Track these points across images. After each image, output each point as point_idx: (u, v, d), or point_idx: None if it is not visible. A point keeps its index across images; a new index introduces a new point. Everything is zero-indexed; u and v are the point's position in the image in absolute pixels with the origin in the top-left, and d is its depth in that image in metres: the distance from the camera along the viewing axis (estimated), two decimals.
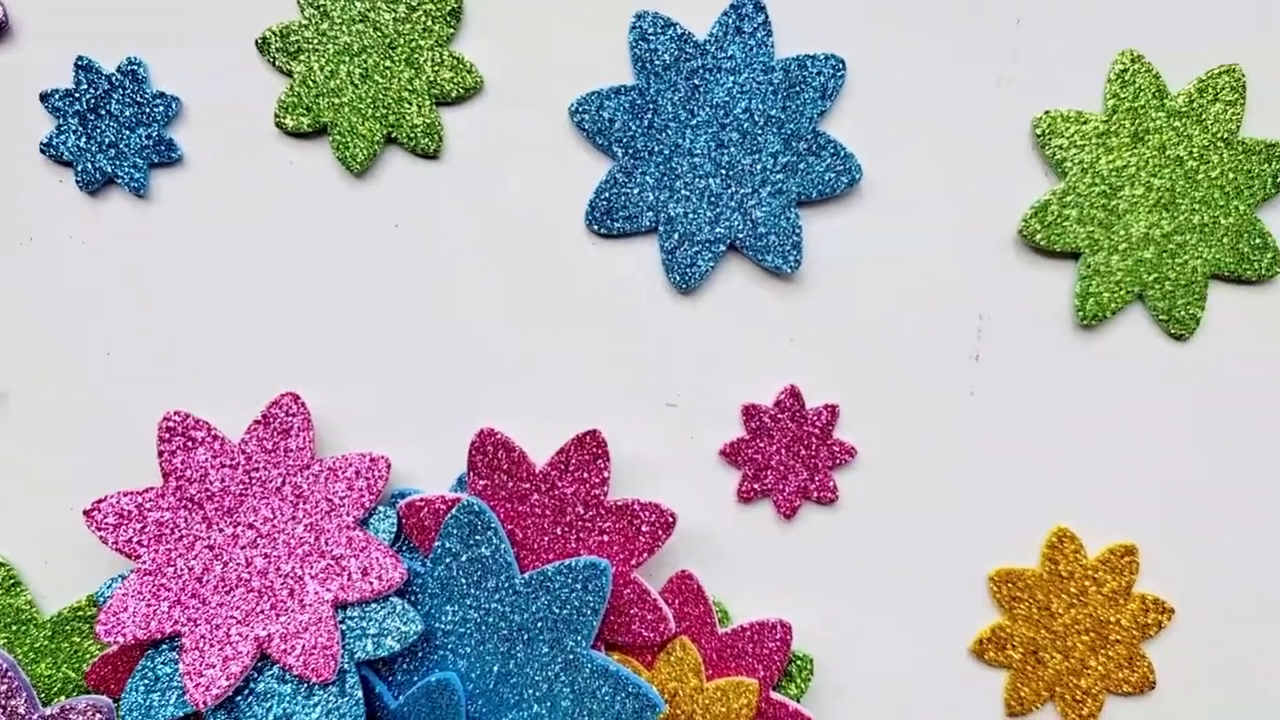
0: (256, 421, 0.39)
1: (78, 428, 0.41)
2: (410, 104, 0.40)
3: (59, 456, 0.41)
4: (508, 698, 0.39)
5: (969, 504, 0.42)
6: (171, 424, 0.39)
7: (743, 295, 0.42)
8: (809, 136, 0.40)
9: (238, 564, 0.38)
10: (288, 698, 0.38)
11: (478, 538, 0.39)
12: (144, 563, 0.38)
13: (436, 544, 0.39)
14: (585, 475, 0.40)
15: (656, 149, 0.40)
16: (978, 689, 0.43)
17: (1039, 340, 0.42)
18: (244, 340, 0.41)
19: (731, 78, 0.40)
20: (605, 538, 0.40)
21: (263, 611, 0.38)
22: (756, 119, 0.40)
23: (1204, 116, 0.41)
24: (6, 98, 0.41)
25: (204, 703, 0.37)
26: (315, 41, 0.40)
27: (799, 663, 0.41)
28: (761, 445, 0.42)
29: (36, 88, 0.40)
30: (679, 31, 0.40)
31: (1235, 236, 0.41)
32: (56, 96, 0.40)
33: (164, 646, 0.38)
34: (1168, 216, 0.41)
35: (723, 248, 0.41)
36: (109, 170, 0.40)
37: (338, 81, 0.40)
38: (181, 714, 0.37)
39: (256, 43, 0.40)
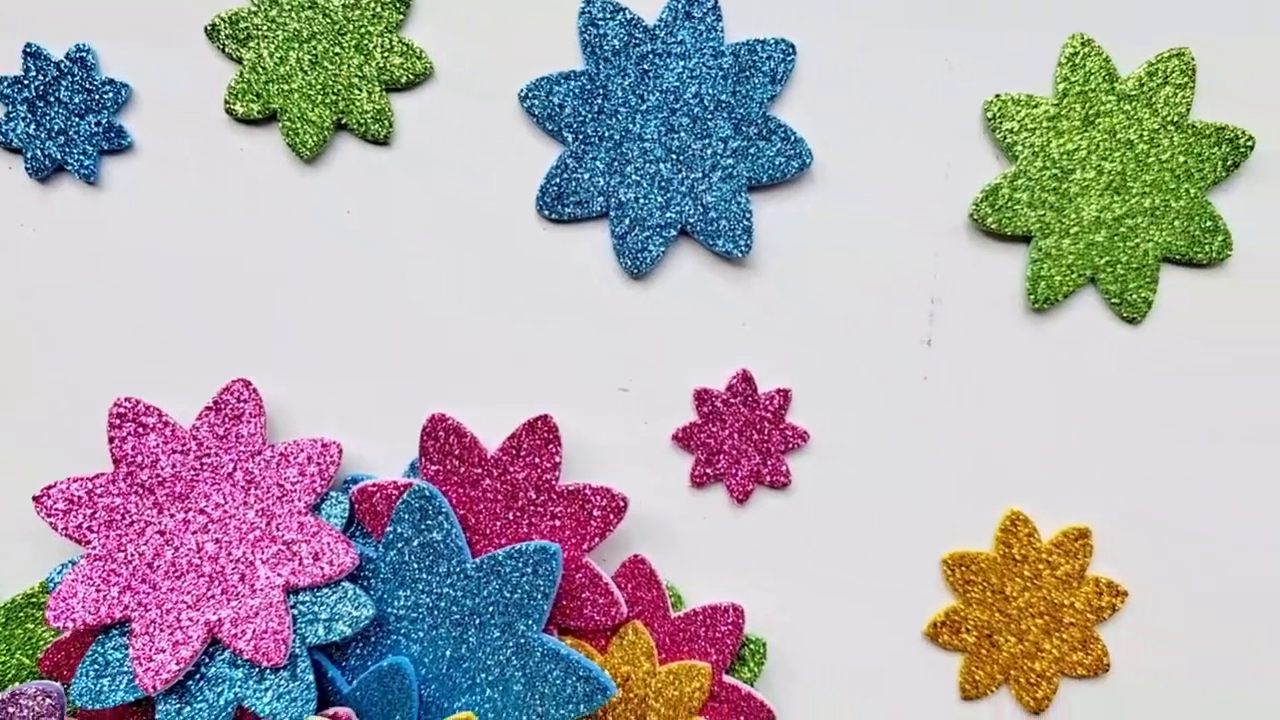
0: (208, 408, 0.39)
1: (28, 414, 0.41)
2: (360, 90, 0.40)
3: (8, 443, 0.41)
4: (460, 682, 0.39)
5: (922, 488, 0.42)
6: (122, 410, 0.39)
7: (694, 280, 0.42)
8: (759, 121, 0.40)
9: (189, 549, 0.38)
10: (239, 682, 0.38)
11: (429, 523, 0.39)
12: (94, 548, 0.38)
13: (388, 529, 0.39)
14: (537, 460, 0.40)
15: (607, 134, 0.40)
16: (932, 672, 0.43)
17: (991, 324, 0.42)
18: (195, 327, 0.41)
19: (681, 63, 0.40)
20: (557, 522, 0.40)
21: (213, 596, 0.38)
22: (707, 104, 0.40)
23: (1154, 100, 0.41)
24: None
25: (153, 687, 0.37)
26: (264, 28, 0.40)
27: (752, 646, 0.42)
28: (714, 430, 0.42)
29: None
30: (628, 16, 0.40)
31: (1186, 219, 0.41)
32: (5, 83, 0.40)
33: (114, 632, 0.38)
34: (1119, 200, 0.41)
35: (674, 233, 0.41)
36: (58, 157, 0.40)
37: (287, 68, 0.40)
38: (132, 698, 0.38)
39: (206, 29, 0.40)
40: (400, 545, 0.39)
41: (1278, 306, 0.42)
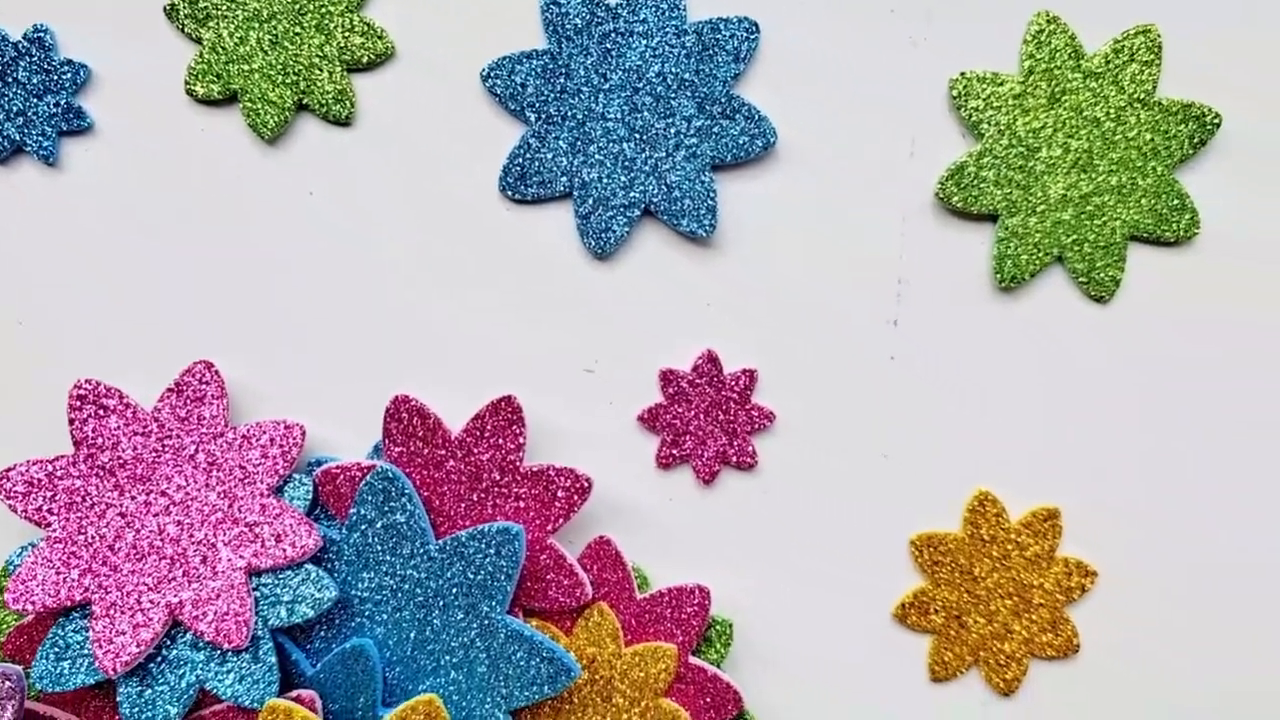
0: (169, 390, 0.39)
1: None
2: (321, 70, 0.40)
3: None
4: (424, 664, 0.39)
5: (890, 468, 0.42)
6: (82, 392, 0.38)
7: (658, 260, 0.41)
8: (723, 100, 0.40)
9: (150, 531, 0.38)
10: (201, 664, 0.38)
11: (392, 504, 0.39)
12: (54, 531, 0.38)
13: (351, 511, 0.39)
14: (501, 441, 0.40)
15: (569, 114, 0.40)
16: (901, 654, 0.43)
17: (958, 304, 0.42)
18: (156, 308, 0.41)
19: (644, 41, 0.40)
20: (521, 503, 0.40)
21: (175, 578, 0.38)
22: (670, 83, 0.40)
23: (1120, 77, 0.41)
24: None
25: (113, 669, 0.37)
26: (224, 8, 0.40)
27: (718, 627, 0.41)
28: (679, 410, 0.42)
29: None
30: None
31: (1153, 197, 0.41)
32: None
33: (75, 614, 0.38)
34: (1086, 178, 0.41)
35: (637, 212, 0.41)
36: (17, 138, 0.40)
37: (248, 48, 0.40)
38: (92, 681, 0.37)
39: (165, 9, 0.40)
40: (364, 527, 0.39)
41: (1245, 285, 0.42)
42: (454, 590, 0.39)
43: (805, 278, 0.42)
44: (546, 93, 0.40)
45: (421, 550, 0.39)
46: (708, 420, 0.42)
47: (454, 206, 0.41)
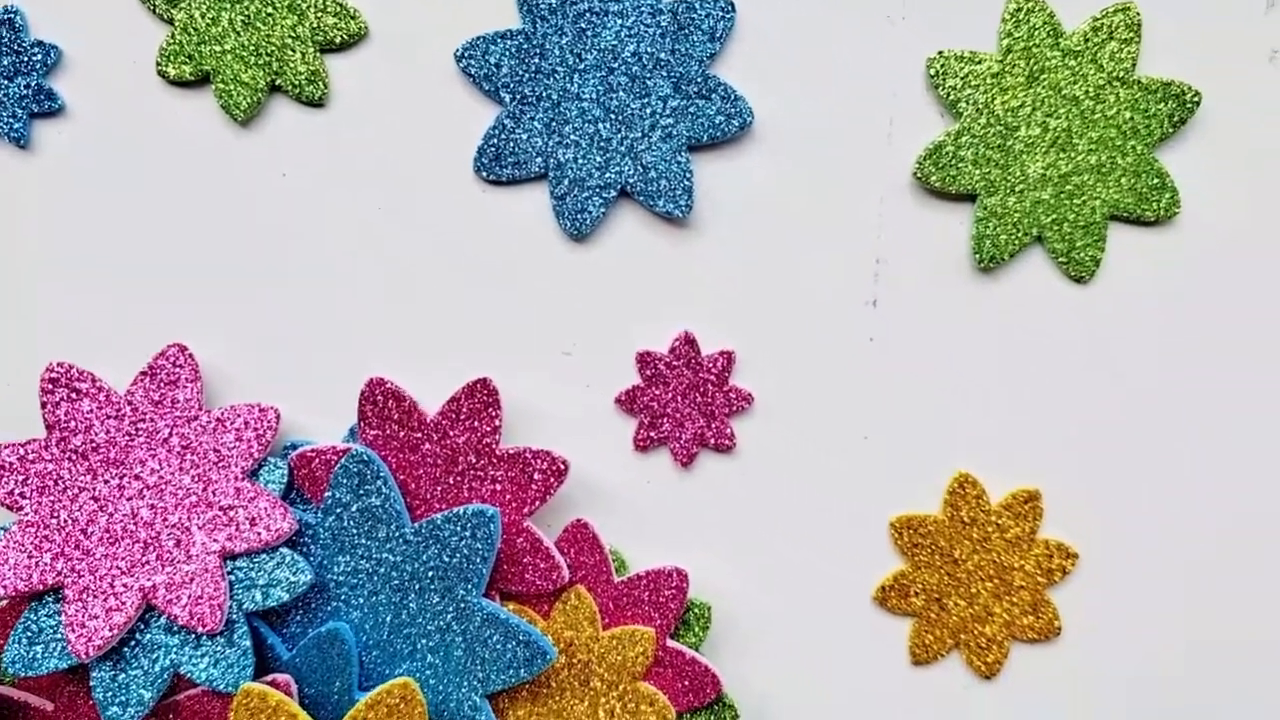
0: (143, 373, 0.39)
1: None
2: (294, 51, 0.40)
3: None
4: (401, 648, 0.39)
5: (869, 450, 0.42)
6: (55, 375, 0.38)
7: (635, 241, 0.41)
8: (699, 80, 0.40)
9: (123, 515, 0.38)
10: (175, 649, 0.38)
11: (368, 487, 0.39)
12: (26, 515, 0.38)
13: (327, 494, 0.39)
14: (476, 424, 0.39)
15: (544, 94, 0.40)
16: (881, 637, 0.42)
17: (937, 284, 0.42)
18: (129, 290, 0.41)
19: (619, 21, 0.40)
20: (497, 486, 0.39)
21: (148, 562, 0.38)
22: (645, 62, 0.40)
23: (1099, 55, 0.40)
24: None
25: (86, 653, 0.37)
26: None
27: (697, 610, 0.41)
28: (657, 393, 0.41)
29: None
30: None
31: (1133, 177, 0.41)
32: None
33: (48, 599, 0.38)
34: (1065, 157, 0.41)
35: (613, 193, 0.40)
36: None
37: (219, 29, 0.39)
38: (65, 665, 0.37)
39: None
40: (339, 510, 0.39)
41: (1226, 264, 0.42)
42: (430, 573, 0.39)
43: (783, 258, 0.41)
44: (521, 73, 0.40)
45: (397, 534, 0.39)
46: (685, 402, 0.41)
47: (429, 188, 0.41)
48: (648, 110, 0.40)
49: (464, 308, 0.41)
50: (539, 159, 0.40)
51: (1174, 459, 0.42)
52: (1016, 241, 0.41)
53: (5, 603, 0.39)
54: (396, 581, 0.39)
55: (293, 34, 0.40)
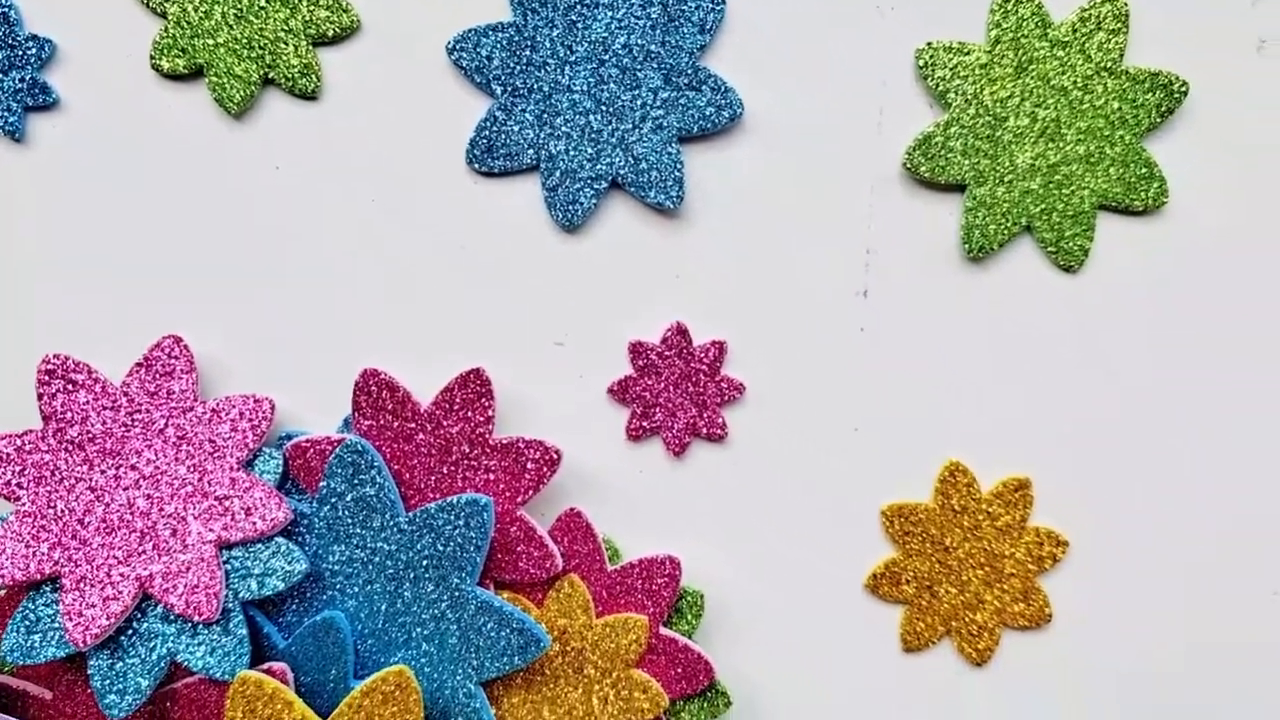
0: (138, 364, 0.39)
1: None
2: (287, 44, 0.40)
3: None
4: (396, 636, 0.39)
5: (860, 439, 0.42)
6: (51, 366, 0.39)
7: (626, 232, 0.41)
8: (689, 72, 0.40)
9: (120, 505, 0.38)
10: (172, 637, 0.38)
11: (362, 477, 0.39)
12: (23, 505, 0.38)
13: (321, 484, 0.39)
14: (470, 414, 0.40)
15: (536, 86, 0.40)
16: (873, 624, 0.43)
17: (927, 274, 0.42)
18: (124, 282, 0.41)
19: (609, 13, 0.40)
20: (491, 476, 0.40)
21: (145, 552, 0.38)
22: (636, 55, 0.40)
23: (1087, 46, 0.41)
24: None
25: (83, 642, 0.37)
26: None
27: (689, 598, 0.42)
28: (649, 383, 0.42)
29: None
30: None
31: (1121, 166, 0.41)
32: None
33: (45, 588, 0.38)
34: (1053, 147, 0.41)
35: (605, 184, 0.41)
36: None
37: (213, 22, 0.40)
38: (63, 654, 0.38)
39: None
40: (334, 500, 0.39)
41: (1214, 253, 0.42)
42: (424, 562, 0.39)
43: (774, 249, 0.42)
44: (512, 65, 0.40)
45: (391, 523, 0.39)
46: (677, 392, 0.42)
47: (421, 180, 0.41)
48: (638, 102, 0.40)
49: (457, 299, 0.42)
50: (530, 151, 0.40)
51: (1163, 447, 0.43)
52: (1006, 231, 0.41)
53: (3, 592, 0.39)
54: (391, 570, 0.39)
55: (285, 27, 0.40)
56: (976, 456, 0.42)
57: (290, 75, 0.40)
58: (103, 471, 0.38)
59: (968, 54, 0.41)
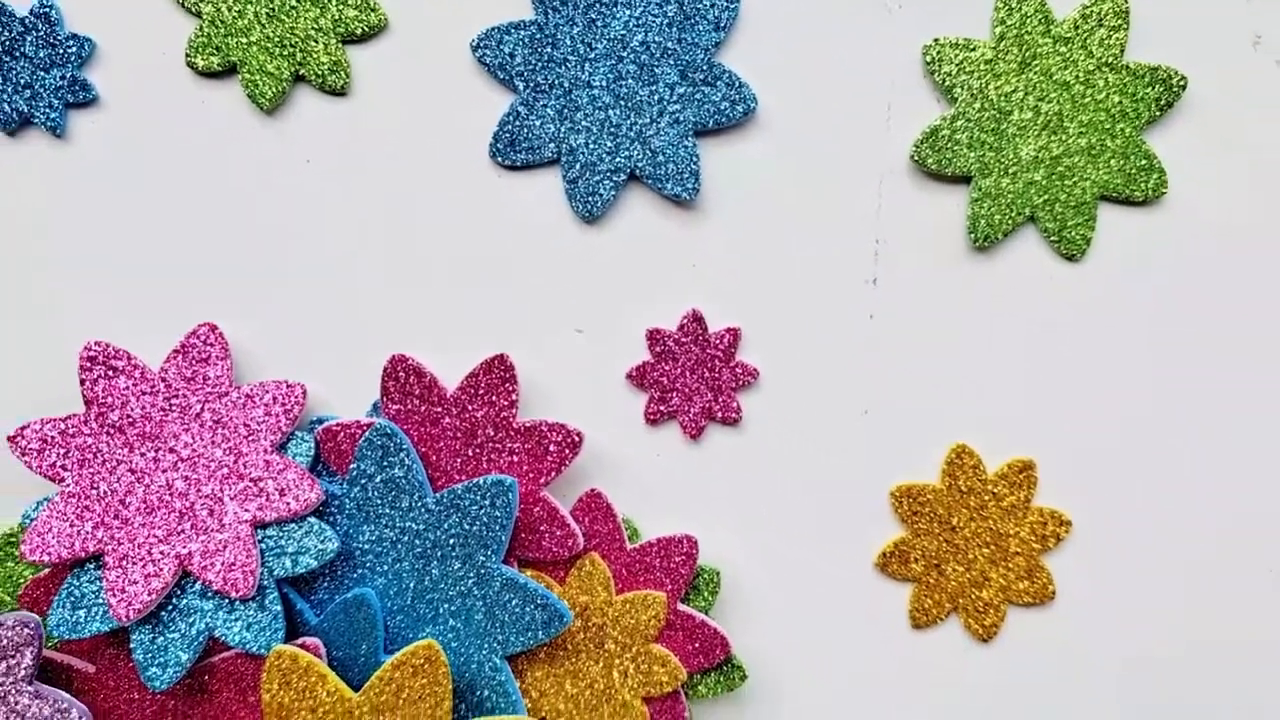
0: (175, 351, 0.41)
1: (1, 360, 0.43)
2: (317, 42, 0.41)
3: None
4: (424, 613, 0.41)
5: (870, 423, 0.44)
6: (92, 353, 0.40)
7: (644, 223, 0.43)
8: (704, 68, 0.42)
9: (159, 486, 0.40)
10: (210, 613, 0.40)
11: (391, 459, 0.40)
12: (67, 485, 0.40)
13: (352, 466, 0.41)
14: (494, 398, 0.41)
15: (556, 82, 0.42)
16: (882, 601, 0.44)
17: (934, 263, 0.43)
18: (161, 272, 0.43)
19: (627, 11, 0.41)
20: (515, 458, 0.41)
21: (183, 531, 0.40)
22: (653, 51, 0.41)
23: (1089, 42, 0.42)
24: None
25: (126, 617, 0.39)
26: None
27: (706, 576, 0.43)
28: (666, 368, 0.43)
29: None
30: None
31: (1122, 158, 0.42)
32: None
33: (89, 566, 0.40)
34: (1056, 140, 0.42)
35: (623, 177, 0.42)
36: (25, 111, 0.41)
37: (245, 21, 0.41)
38: (107, 629, 0.39)
39: None
40: (363, 482, 0.41)
41: (1212, 243, 0.43)
42: (451, 541, 0.40)
43: (786, 239, 0.43)
44: (534, 62, 0.41)
45: (419, 503, 0.40)
46: (694, 378, 0.43)
47: (446, 173, 0.43)
48: (656, 97, 0.42)
49: (481, 288, 0.43)
50: (551, 145, 0.42)
51: (1164, 430, 0.44)
52: (1010, 221, 0.43)
53: (47, 571, 0.41)
54: (419, 549, 0.41)
55: (316, 26, 0.41)
56: (982, 439, 0.44)
57: (320, 72, 0.42)
58: (143, 454, 0.40)
59: (973, 50, 0.42)
